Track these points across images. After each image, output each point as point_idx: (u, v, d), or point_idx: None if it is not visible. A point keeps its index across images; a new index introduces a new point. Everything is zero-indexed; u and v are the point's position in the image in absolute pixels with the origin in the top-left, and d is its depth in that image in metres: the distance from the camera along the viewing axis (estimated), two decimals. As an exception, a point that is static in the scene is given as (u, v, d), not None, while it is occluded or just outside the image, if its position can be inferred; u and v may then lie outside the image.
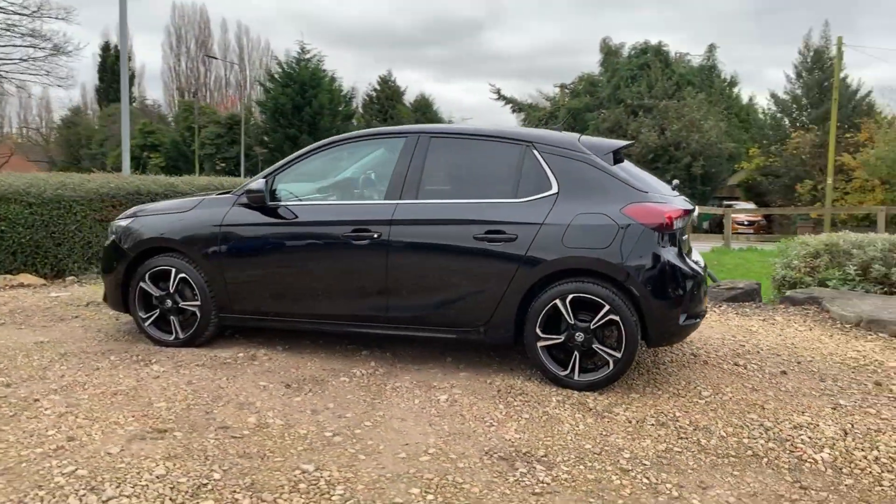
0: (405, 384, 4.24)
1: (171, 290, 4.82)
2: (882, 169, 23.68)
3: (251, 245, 4.67)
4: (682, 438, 3.62)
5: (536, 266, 4.14)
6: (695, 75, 31.50)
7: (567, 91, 36.29)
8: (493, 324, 4.29)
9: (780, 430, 3.73)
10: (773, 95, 30.08)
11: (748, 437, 3.64)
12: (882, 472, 3.32)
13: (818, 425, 3.81)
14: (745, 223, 30.28)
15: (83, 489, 2.90)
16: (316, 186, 4.91)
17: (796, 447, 3.55)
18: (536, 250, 4.13)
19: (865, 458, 3.45)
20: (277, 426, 3.60)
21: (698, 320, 4.28)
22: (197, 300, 4.76)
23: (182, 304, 4.82)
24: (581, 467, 3.25)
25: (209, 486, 2.96)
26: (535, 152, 4.34)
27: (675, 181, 5.25)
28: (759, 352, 5.18)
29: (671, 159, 27.76)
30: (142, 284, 4.88)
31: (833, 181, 25.10)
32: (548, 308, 4.15)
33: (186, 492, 2.91)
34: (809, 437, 3.66)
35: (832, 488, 3.16)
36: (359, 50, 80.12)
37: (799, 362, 4.96)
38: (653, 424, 3.77)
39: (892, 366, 4.95)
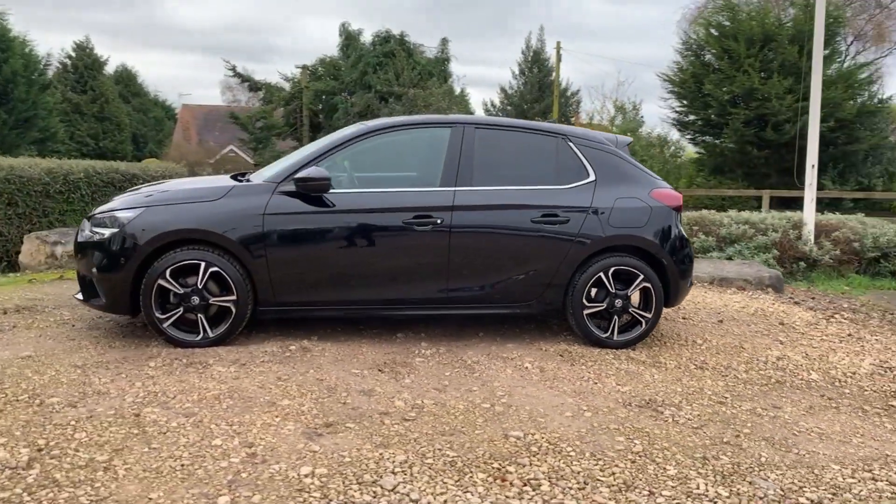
0: (481, 359, 4.57)
1: (200, 286, 4.46)
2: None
3: (303, 234, 4.53)
4: (724, 376, 4.56)
5: (587, 244, 4.76)
6: (434, 66, 33.74)
7: (308, 73, 36.18)
8: (545, 297, 4.81)
9: (772, 363, 4.88)
10: (503, 90, 33.67)
11: (761, 370, 4.72)
12: (860, 380, 4.61)
13: (788, 356, 5.05)
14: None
15: (349, 484, 2.88)
16: (362, 174, 4.87)
17: (794, 373, 4.71)
18: (587, 230, 4.75)
19: (842, 373, 4.74)
20: (430, 406, 3.75)
21: (693, 283, 5.29)
22: (232, 295, 4.47)
23: (213, 300, 4.49)
24: (698, 405, 3.99)
25: (458, 464, 3.11)
26: (571, 144, 4.93)
27: None
28: (695, 309, 6.41)
29: (421, 144, 29.73)
30: (160, 282, 4.41)
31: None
32: (592, 280, 4.80)
33: (452, 469, 3.03)
34: (794, 365, 4.86)
35: (847, 395, 4.34)
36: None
37: (719, 312, 6.28)
38: (695, 368, 4.66)
39: (777, 308, 6.53)
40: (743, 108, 25.63)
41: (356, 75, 32.72)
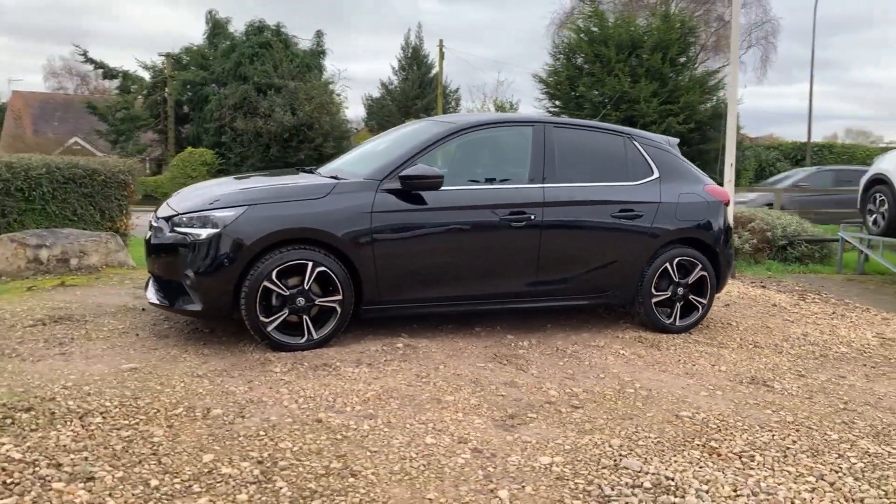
0: (575, 348, 4.78)
1: (307, 287, 4.31)
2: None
3: (408, 231, 4.49)
4: (780, 353, 5.11)
5: (658, 237, 5.11)
6: (311, 59, 33.00)
7: (173, 61, 34.06)
8: (620, 287, 5.11)
9: (802, 339, 5.51)
10: (385, 85, 33.64)
11: (801, 346, 5.32)
12: (881, 350, 5.33)
13: (809, 332, 5.72)
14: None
15: (597, 468, 3.01)
16: (451, 171, 4.87)
17: (827, 347, 5.35)
18: (658, 224, 5.10)
19: (860, 345, 5.45)
20: (582, 394, 3.92)
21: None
22: (338, 294, 4.37)
23: (319, 300, 4.35)
24: (789, 379, 4.47)
25: (665, 444, 3.33)
26: (636, 143, 5.26)
27: None
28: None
29: (304, 139, 28.89)
30: (266, 283, 4.22)
31: (441, 162, 29.59)
32: (659, 270, 5.17)
33: (667, 448, 3.24)
34: (820, 341, 5.51)
35: (881, 363, 5.02)
36: None
37: (717, 298, 6.91)
38: (753, 347, 5.17)
39: (755, 292, 7.29)
40: (614, 110, 27.45)
41: (229, 66, 31.32)
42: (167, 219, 4.38)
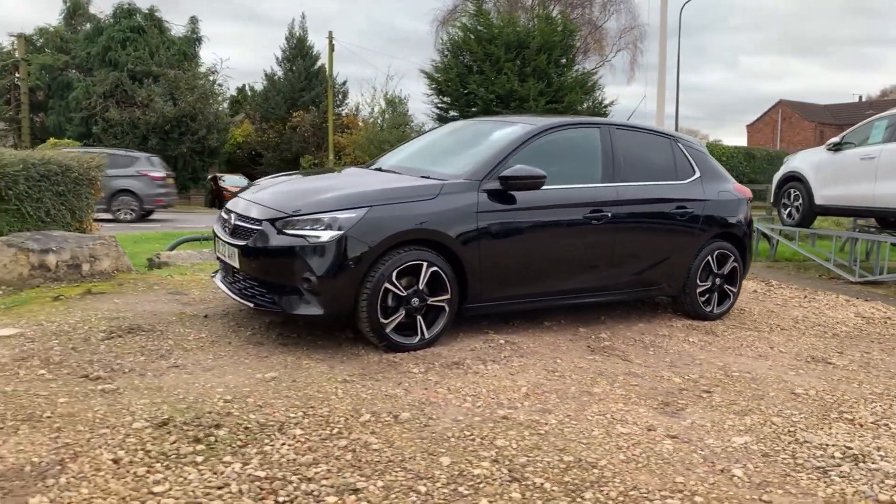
0: (650, 338, 5.10)
1: (421, 287, 4.31)
2: (371, 149, 28.75)
3: (508, 230, 4.58)
4: (804, 334, 5.72)
5: (705, 232, 5.55)
6: (187, 46, 31.14)
7: (25, 41, 30.87)
8: (673, 279, 5.50)
9: (808, 321, 6.19)
10: (269, 76, 32.45)
11: (814, 327, 5.97)
12: (874, 327, 6.11)
13: (808, 316, 6.42)
14: (245, 194, 32.10)
15: (794, 443, 3.33)
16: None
17: (832, 327, 6.05)
18: (706, 219, 5.54)
19: (853, 324, 6.21)
20: (699, 379, 4.24)
21: None
22: (446, 294, 4.40)
23: (431, 300, 4.37)
24: (837, 357, 5.05)
25: (806, 420, 3.71)
26: (679, 145, 5.67)
27: None
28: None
29: (187, 130, 27.33)
30: (386, 285, 4.18)
31: (333, 157, 29.17)
32: (703, 263, 5.62)
33: (820, 422, 3.63)
34: (821, 321, 6.22)
35: (882, 339, 5.76)
36: None
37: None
38: (780, 330, 5.75)
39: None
40: (504, 108, 28.34)
41: (96, 50, 28.97)
42: (272, 221, 4.19)
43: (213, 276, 5.03)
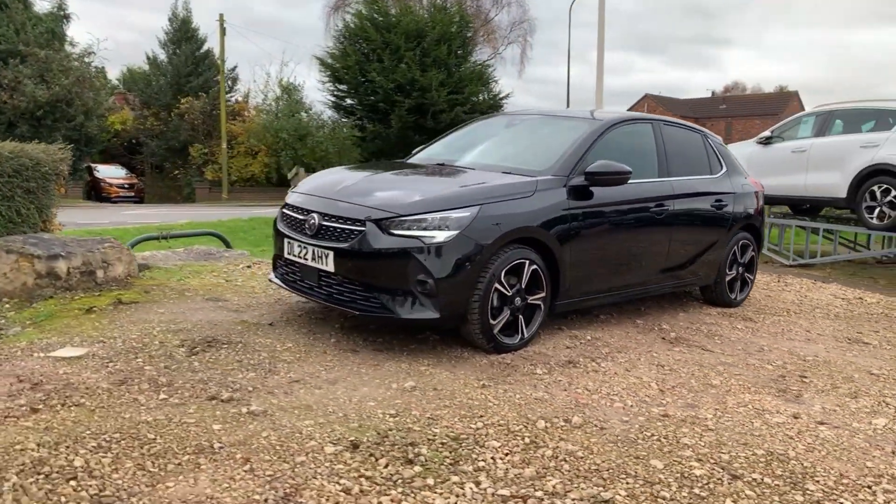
0: (704, 327, 5.30)
1: (524, 286, 4.23)
2: (267, 138, 27.69)
3: (592, 225, 4.57)
4: (813, 316, 6.16)
5: (736, 223, 5.82)
6: (56, 24, 28.27)
7: None
8: (709, 269, 5.72)
9: (803, 304, 6.67)
10: (151, 60, 30.19)
11: (813, 310, 6.45)
12: (859, 307, 6.68)
13: (797, 300, 6.92)
14: (126, 186, 30.04)
15: (919, 423, 3.59)
16: None
17: (826, 309, 6.56)
18: (735, 212, 5.81)
19: (837, 306, 6.76)
20: (794, 359, 4.47)
21: None
22: (542, 291, 4.35)
23: (531, 299, 4.30)
24: (863, 338, 5.48)
25: (907, 396, 4.02)
26: (709, 141, 5.90)
27: None
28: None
29: (62, 116, 24.94)
30: (496, 285, 4.06)
31: (225, 147, 27.81)
32: (731, 252, 5.90)
33: (922, 400, 3.93)
34: (812, 304, 6.72)
35: (872, 318, 6.31)
36: None
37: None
38: (794, 315, 6.16)
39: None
40: (405, 97, 28.21)
41: (-54, 25, 25.67)
42: (378, 221, 3.94)
43: (273, 278, 4.66)
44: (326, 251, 4.07)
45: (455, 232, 3.89)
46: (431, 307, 3.90)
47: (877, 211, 9.52)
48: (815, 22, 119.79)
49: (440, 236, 3.87)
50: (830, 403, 3.79)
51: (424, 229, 3.90)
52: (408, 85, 28.18)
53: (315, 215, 4.21)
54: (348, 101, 31.09)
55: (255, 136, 27.98)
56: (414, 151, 5.72)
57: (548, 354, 4.24)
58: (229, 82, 30.83)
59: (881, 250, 10.62)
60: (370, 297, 3.99)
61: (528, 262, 4.19)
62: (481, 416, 3.23)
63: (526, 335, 4.29)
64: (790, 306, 6.41)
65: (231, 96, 30.79)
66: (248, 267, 6.54)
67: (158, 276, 5.70)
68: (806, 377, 4.22)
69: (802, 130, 10.82)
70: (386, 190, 4.31)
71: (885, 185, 9.34)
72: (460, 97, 28.85)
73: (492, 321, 4.08)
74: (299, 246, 4.28)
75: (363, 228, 3.96)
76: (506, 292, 4.12)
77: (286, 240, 4.40)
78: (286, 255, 4.42)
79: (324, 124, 28.70)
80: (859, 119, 10.16)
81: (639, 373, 4.04)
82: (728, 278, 5.92)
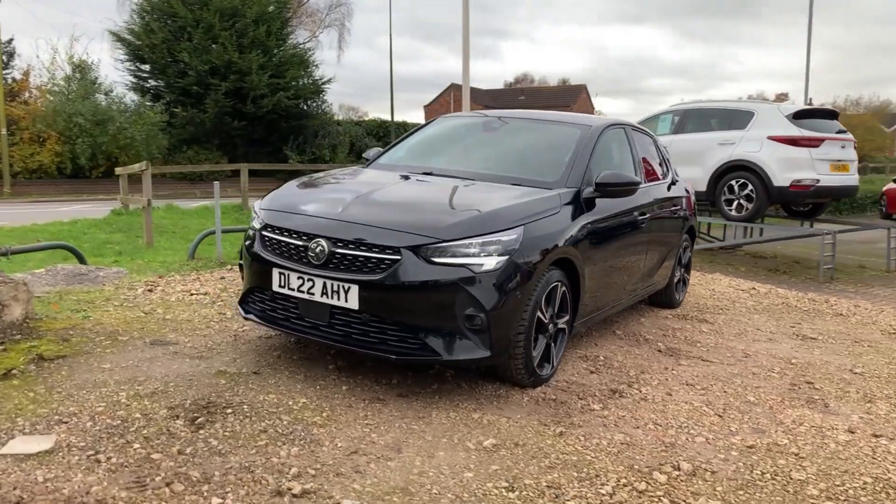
0: (683, 334, 5.30)
1: (557, 310, 3.88)
2: (58, 122, 24.30)
3: (601, 239, 4.26)
4: (744, 312, 6.47)
5: (683, 227, 5.90)
6: None
7: None
8: (667, 271, 5.73)
9: (757, 300, 7.02)
10: None
11: (772, 306, 6.79)
12: (796, 303, 7.16)
13: (715, 293, 7.27)
14: None
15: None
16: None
17: (748, 304, 6.95)
18: (684, 216, 5.88)
19: (776, 302, 7.20)
20: (786, 376, 4.56)
21: None
22: (566, 314, 4.03)
23: (560, 323, 3.95)
24: (807, 332, 5.82)
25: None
26: (657, 143, 5.89)
27: None
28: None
29: None
30: (538, 313, 3.66)
31: (7, 131, 23.94)
32: (678, 255, 5.99)
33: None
34: (731, 298, 7.10)
35: (814, 312, 6.80)
36: None
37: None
38: (728, 310, 6.42)
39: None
40: (222, 80, 26.25)
41: None
42: (416, 248, 3.34)
43: (249, 315, 3.84)
44: (346, 284, 3.39)
45: (505, 257, 3.41)
46: (481, 344, 3.39)
47: (735, 203, 10.35)
48: (576, 19, 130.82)
49: (489, 263, 3.38)
50: (859, 411, 3.88)
51: (472, 256, 3.38)
52: (224, 67, 26.22)
53: (322, 241, 3.49)
54: (153, 82, 28.27)
55: (43, 121, 24.39)
56: (370, 155, 5.06)
57: (581, 383, 3.92)
58: (5, 57, 26.46)
59: (741, 239, 11.63)
60: (407, 338, 3.39)
61: (559, 283, 3.83)
62: (597, 477, 2.83)
63: (554, 364, 3.94)
64: (712, 302, 6.68)
65: (7, 73, 26.54)
66: (150, 290, 5.48)
67: (58, 315, 4.53)
68: (812, 383, 4.31)
69: (661, 128, 11.47)
70: (410, 209, 3.70)
71: (742, 180, 10.18)
72: (282, 81, 27.43)
73: (533, 353, 3.67)
74: (299, 278, 3.53)
75: (398, 257, 3.34)
76: (544, 319, 3.73)
77: (276, 270, 3.62)
78: (276, 289, 3.64)
79: (126, 108, 25.72)
80: (713, 117, 10.98)
81: (680, 397, 3.86)
82: (675, 280, 6.00)
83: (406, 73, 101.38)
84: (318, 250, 3.48)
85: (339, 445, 2.94)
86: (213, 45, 26.11)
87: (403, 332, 3.38)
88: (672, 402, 3.76)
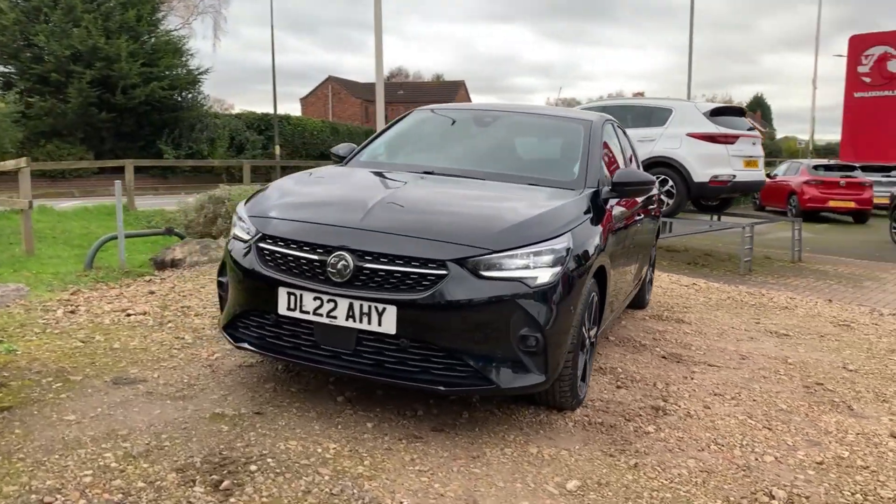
0: (674, 336, 5.13)
1: (592, 323, 3.55)
2: None
3: (618, 243, 3.98)
4: (707, 310, 6.46)
5: (655, 225, 5.75)
6: None
7: None
8: (642, 270, 5.56)
9: (679, 298, 7.00)
10: None
11: (697, 303, 6.79)
12: (714, 293, 7.23)
13: (668, 292, 7.25)
14: None
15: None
16: None
17: (700, 299, 6.97)
18: (655, 214, 5.74)
19: (695, 291, 7.25)
20: (795, 377, 4.48)
21: None
22: (596, 326, 3.71)
23: (591, 336, 3.62)
24: (773, 328, 5.86)
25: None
26: (628, 136, 5.70)
27: None
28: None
29: None
30: (582, 328, 3.31)
31: None
32: (650, 255, 5.85)
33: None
34: (681, 295, 7.10)
35: (748, 305, 6.88)
36: None
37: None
38: (694, 308, 6.38)
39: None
40: (86, 68, 24.02)
41: None
42: (463, 261, 2.88)
43: (244, 344, 3.21)
44: (380, 305, 2.87)
45: (558, 268, 3.02)
46: (535, 368, 2.98)
47: (655, 199, 10.50)
48: (446, 15, 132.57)
49: (543, 275, 2.97)
50: (884, 412, 3.83)
51: (525, 268, 2.96)
52: (88, 53, 23.91)
53: (345, 254, 2.94)
54: (2, 68, 25.35)
55: None
56: (343, 152, 4.49)
57: (617, 401, 3.61)
58: None
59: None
60: (454, 365, 2.91)
61: (595, 294, 3.49)
62: (704, 515, 2.51)
63: (588, 381, 3.60)
64: (670, 300, 6.63)
65: None
66: (72, 312, 4.64)
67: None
68: (822, 384, 4.24)
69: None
70: (448, 215, 3.21)
71: (663, 176, 10.34)
72: (155, 70, 25.44)
73: (578, 372, 3.31)
74: (316, 299, 2.96)
75: (444, 272, 2.86)
76: (585, 334, 3.38)
77: (284, 290, 3.02)
78: (284, 312, 3.04)
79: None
80: (631, 114, 11.10)
81: (719, 410, 3.64)
82: (647, 279, 5.86)
83: (269, 64, 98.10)
84: (340, 265, 2.93)
85: (402, 502, 2.44)
86: (75, 29, 23.76)
87: (450, 359, 2.91)
88: (715, 416, 3.53)
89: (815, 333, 5.65)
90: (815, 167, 18.59)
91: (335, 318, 2.94)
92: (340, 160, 4.43)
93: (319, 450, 2.78)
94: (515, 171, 3.97)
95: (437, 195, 3.51)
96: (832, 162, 19.84)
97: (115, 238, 7.55)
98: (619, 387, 3.84)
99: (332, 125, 36.12)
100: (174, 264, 7.29)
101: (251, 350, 3.19)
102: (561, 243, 3.07)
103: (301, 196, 3.50)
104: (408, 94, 62.34)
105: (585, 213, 3.48)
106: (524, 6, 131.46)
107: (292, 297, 3.01)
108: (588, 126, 4.32)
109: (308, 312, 2.99)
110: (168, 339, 4.06)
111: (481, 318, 2.90)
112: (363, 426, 3.05)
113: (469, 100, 66.61)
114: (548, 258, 3.00)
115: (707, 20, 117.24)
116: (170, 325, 4.38)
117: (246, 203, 3.51)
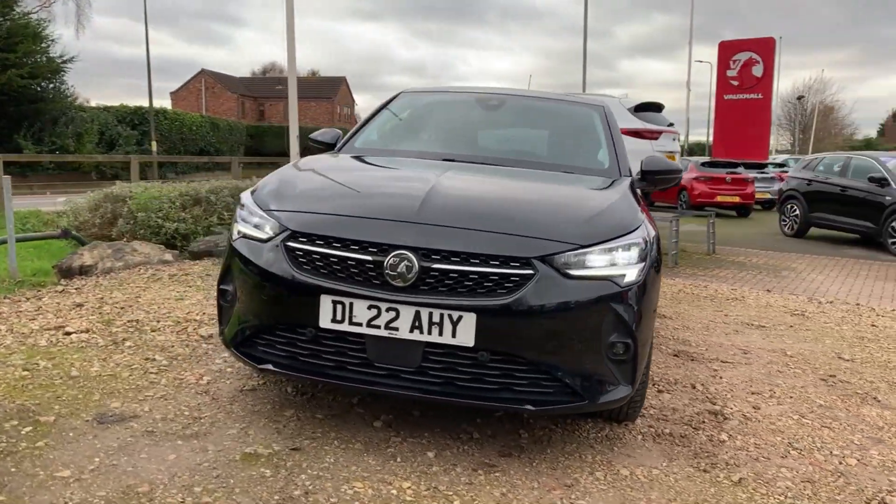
0: (665, 332, 4.95)
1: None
2: None
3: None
4: (674, 302, 6.39)
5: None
6: None
7: None
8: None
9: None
10: None
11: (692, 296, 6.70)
12: (680, 290, 7.21)
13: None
14: None
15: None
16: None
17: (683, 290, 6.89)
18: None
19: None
20: (808, 370, 4.41)
21: None
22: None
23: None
24: (755, 321, 5.84)
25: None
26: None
27: None
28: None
29: None
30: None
31: None
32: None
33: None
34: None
35: (705, 299, 6.89)
36: None
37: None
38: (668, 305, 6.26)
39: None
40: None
41: None
42: (549, 258, 2.47)
43: (264, 366, 2.63)
44: (455, 313, 2.40)
45: (642, 264, 2.68)
46: (623, 379, 2.63)
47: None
48: (316, 12, 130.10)
49: (631, 273, 2.63)
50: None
51: (612, 265, 2.59)
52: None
53: (407, 253, 2.45)
54: None
55: None
56: (329, 138, 3.94)
57: (670, 408, 3.34)
58: None
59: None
60: (540, 380, 2.50)
61: (649, 291, 3.19)
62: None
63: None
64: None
65: None
66: (11, 331, 3.81)
67: None
68: (834, 376, 4.18)
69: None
70: (514, 205, 2.78)
71: (590, 171, 10.34)
72: (12, 56, 22.90)
73: (647, 380, 3.00)
74: (372, 307, 2.45)
75: (530, 271, 2.44)
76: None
77: (328, 298, 2.49)
78: (327, 325, 2.50)
79: None
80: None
81: (770, 411, 3.44)
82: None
83: (126, 56, 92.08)
84: (402, 267, 2.44)
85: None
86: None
87: (536, 373, 2.49)
88: (771, 418, 3.33)
89: (782, 324, 5.67)
90: (703, 164, 19.53)
91: (396, 329, 2.44)
92: (328, 148, 3.87)
93: (393, 491, 2.29)
94: (542, 158, 3.62)
95: (488, 185, 3.08)
96: (718, 159, 20.95)
97: (2, 243, 6.47)
98: (660, 391, 3.57)
99: (212, 120, 34.28)
100: (83, 271, 6.33)
101: (277, 373, 2.62)
102: (639, 236, 2.73)
103: (330, 186, 2.95)
104: (287, 89, 60.41)
105: (636, 201, 3.17)
106: (391, 5, 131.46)
107: (339, 307, 2.48)
108: (602, 111, 4.03)
109: (360, 325, 2.47)
110: (136, 361, 3.36)
111: (571, 324, 2.50)
112: (424, 456, 2.58)
113: (351, 97, 65.50)
114: (634, 253, 2.66)
115: (572, 25, 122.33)
116: (128, 344, 3.65)
117: (254, 193, 2.92)
